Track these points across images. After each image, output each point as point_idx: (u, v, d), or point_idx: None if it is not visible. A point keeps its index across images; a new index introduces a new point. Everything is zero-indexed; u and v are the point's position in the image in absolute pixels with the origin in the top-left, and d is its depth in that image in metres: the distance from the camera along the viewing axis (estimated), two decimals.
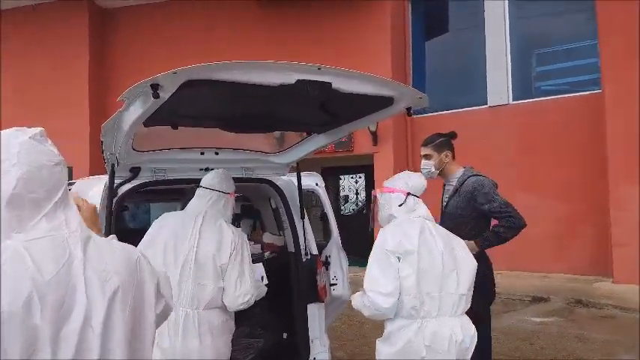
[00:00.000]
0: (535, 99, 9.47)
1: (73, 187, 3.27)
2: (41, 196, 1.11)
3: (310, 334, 3.30)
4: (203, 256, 2.50)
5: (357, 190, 12.60)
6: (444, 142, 3.28)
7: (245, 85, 2.04)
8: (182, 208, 3.35)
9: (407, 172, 2.58)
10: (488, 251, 3.17)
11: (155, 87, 1.81)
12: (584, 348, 5.08)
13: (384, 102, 2.51)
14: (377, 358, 2.36)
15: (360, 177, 12.43)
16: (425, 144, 3.31)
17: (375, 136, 9.71)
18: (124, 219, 6.72)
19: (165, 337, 2.39)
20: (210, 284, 2.49)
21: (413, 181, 2.47)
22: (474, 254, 2.55)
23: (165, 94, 1.86)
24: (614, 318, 6.22)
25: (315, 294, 3.31)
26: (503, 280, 8.01)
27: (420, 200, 2.47)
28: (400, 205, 2.39)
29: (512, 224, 2.99)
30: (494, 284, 3.27)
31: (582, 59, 9.64)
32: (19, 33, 11.16)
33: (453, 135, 3.34)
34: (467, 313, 2.41)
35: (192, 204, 2.71)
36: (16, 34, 11.15)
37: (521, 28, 9.81)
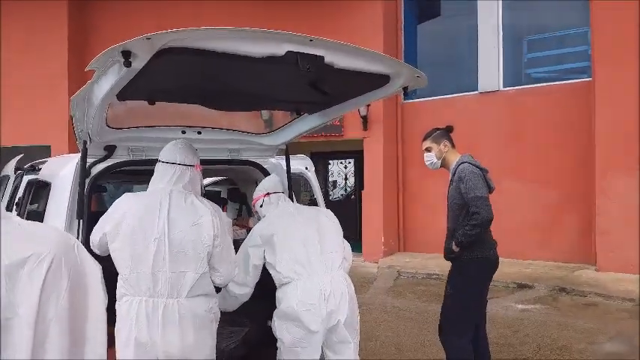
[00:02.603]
0: (525, 86, 9.39)
1: (44, 166, 3.06)
2: None
3: None
4: (178, 242, 2.23)
5: (346, 175, 12.48)
6: (441, 133, 3.50)
7: (229, 56, 1.85)
8: None
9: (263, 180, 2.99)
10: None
11: (127, 55, 1.61)
12: (568, 336, 5.07)
13: (380, 80, 2.35)
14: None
15: (349, 162, 12.31)
16: (424, 138, 3.53)
17: (365, 120, 9.56)
18: (103, 200, 6.48)
19: (143, 330, 2.15)
20: (190, 271, 2.24)
21: (267, 182, 2.90)
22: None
23: (138, 64, 1.66)
24: (596, 306, 6.23)
25: None
26: None
27: (284, 196, 2.87)
28: (262, 206, 2.82)
29: (475, 221, 3.16)
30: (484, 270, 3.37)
31: (572, 47, 9.56)
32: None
33: (449, 128, 3.54)
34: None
35: (154, 182, 2.38)
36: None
37: (512, 14, 9.68)
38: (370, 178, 9.81)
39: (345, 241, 2.87)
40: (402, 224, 10.24)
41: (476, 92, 9.67)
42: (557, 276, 7.59)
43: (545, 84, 9.23)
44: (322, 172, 12.13)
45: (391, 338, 5.13)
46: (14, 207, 3.29)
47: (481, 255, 3.28)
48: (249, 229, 3.55)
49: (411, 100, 10.09)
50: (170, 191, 2.33)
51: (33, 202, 3.21)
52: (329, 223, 2.82)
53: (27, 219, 3.09)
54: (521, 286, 7.14)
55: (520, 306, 6.28)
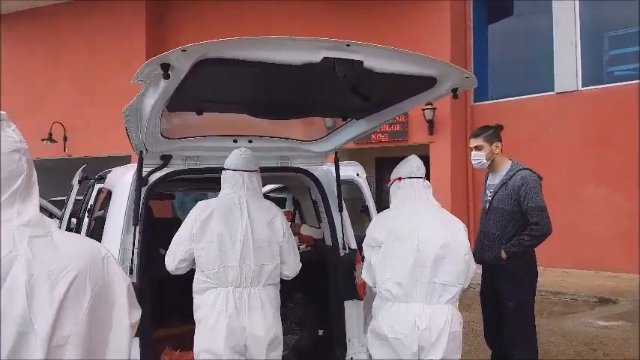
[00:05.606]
0: (607, 85, 8.67)
1: (109, 175, 3.26)
2: None
3: (348, 332, 3.12)
4: (258, 239, 2.54)
5: None
6: (494, 133, 3.34)
7: (268, 65, 1.86)
8: None
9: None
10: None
11: (166, 67, 1.67)
12: None
13: (426, 83, 2.26)
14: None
15: None
16: (475, 135, 3.39)
17: (431, 124, 9.27)
18: (173, 207, 6.79)
19: (233, 317, 2.41)
20: (268, 264, 2.55)
21: (402, 164, 2.63)
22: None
23: (177, 75, 1.71)
24: None
25: (353, 291, 3.12)
26: (568, 279, 7.30)
27: (422, 184, 2.57)
28: (392, 192, 2.64)
29: (536, 232, 3.09)
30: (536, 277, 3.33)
31: None
32: (85, 24, 11.73)
33: (500, 127, 3.40)
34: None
35: (227, 188, 2.64)
36: (84, 24, 11.74)
37: (591, 8, 8.99)
38: (436, 185, 9.43)
39: (472, 264, 2.45)
40: (472, 234, 9.80)
41: (552, 92, 9.09)
42: None
43: (629, 82, 8.47)
44: (387, 179, 11.95)
45: None
46: (86, 214, 3.54)
47: (533, 258, 3.22)
48: (300, 236, 3.56)
49: (482, 103, 9.67)
50: (244, 195, 2.59)
51: (101, 209, 3.43)
52: (458, 246, 2.39)
53: (95, 225, 3.30)
54: (604, 301, 6.55)
55: (601, 322, 5.77)
